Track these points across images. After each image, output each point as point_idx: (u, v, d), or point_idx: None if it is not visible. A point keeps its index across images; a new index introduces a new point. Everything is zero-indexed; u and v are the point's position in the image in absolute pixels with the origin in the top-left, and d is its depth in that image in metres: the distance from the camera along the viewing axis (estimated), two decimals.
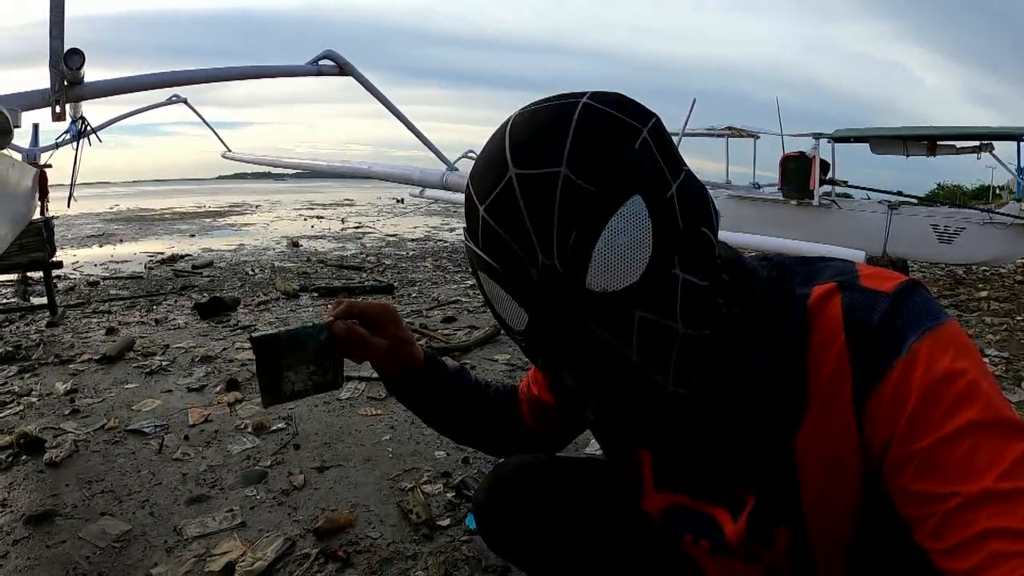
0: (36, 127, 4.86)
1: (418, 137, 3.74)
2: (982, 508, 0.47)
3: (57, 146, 4.56)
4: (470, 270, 0.58)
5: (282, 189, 45.47)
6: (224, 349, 3.32)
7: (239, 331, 3.74)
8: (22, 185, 2.68)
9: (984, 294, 5.18)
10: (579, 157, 0.49)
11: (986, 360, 3.16)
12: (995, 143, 6.29)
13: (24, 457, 2.02)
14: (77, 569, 1.44)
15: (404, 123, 3.62)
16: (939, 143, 6.39)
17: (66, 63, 1.98)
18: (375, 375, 2.86)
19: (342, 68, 3.07)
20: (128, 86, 2.55)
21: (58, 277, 5.54)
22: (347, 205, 19.80)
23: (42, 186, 3.95)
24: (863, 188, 6.61)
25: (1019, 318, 4.20)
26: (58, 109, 2.09)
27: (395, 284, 5.31)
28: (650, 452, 0.72)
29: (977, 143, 6.38)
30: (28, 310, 4.32)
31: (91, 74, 2.26)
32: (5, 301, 4.72)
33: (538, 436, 0.89)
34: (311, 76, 3.09)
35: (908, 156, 6.53)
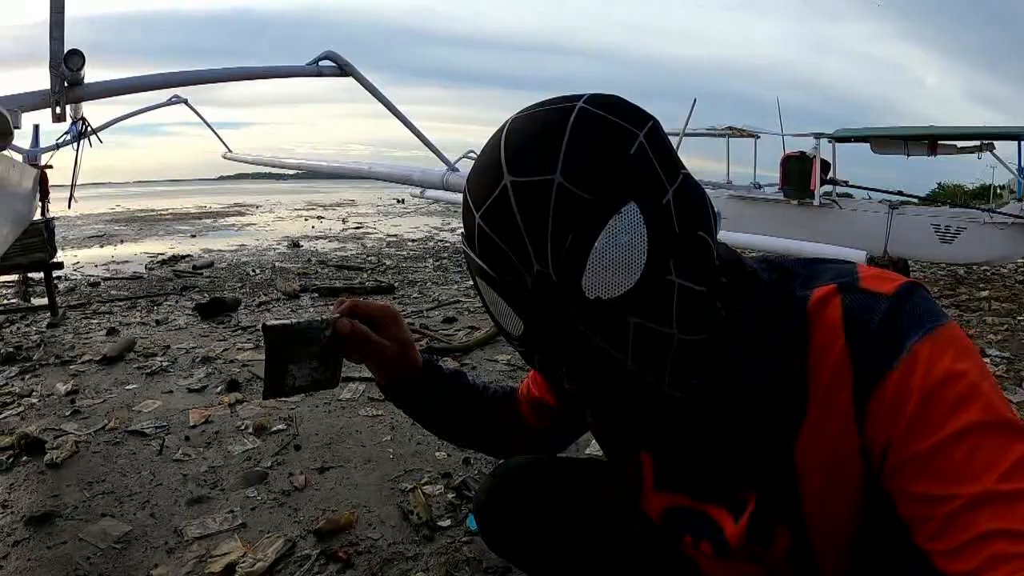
0: (37, 128, 4.86)
1: (418, 137, 3.74)
2: (983, 509, 0.47)
3: (58, 147, 4.56)
4: (469, 273, 0.58)
5: (283, 189, 45.52)
6: (225, 350, 3.32)
7: (240, 332, 3.74)
8: (23, 186, 2.67)
9: (985, 294, 5.17)
10: (573, 164, 0.49)
11: (987, 360, 3.17)
12: (996, 143, 6.28)
13: (25, 458, 2.02)
14: (78, 570, 1.44)
15: (404, 123, 3.62)
16: (940, 143, 6.38)
17: (66, 64, 1.98)
18: None
19: (342, 69, 3.07)
20: (129, 87, 2.55)
21: (59, 278, 5.54)
22: (348, 205, 19.81)
23: (43, 187, 3.96)
24: (864, 188, 6.61)
25: (1020, 318, 4.20)
26: (58, 110, 2.09)
27: (396, 284, 5.31)
28: (650, 453, 0.72)
29: (978, 143, 6.37)
30: (29, 311, 4.32)
31: (92, 75, 2.26)
32: (6, 302, 4.72)
33: (539, 437, 0.89)
34: (312, 77, 3.09)
35: (909, 156, 6.53)
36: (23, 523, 1.63)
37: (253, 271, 6.32)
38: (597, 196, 0.49)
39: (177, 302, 4.73)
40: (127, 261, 7.33)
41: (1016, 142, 6.03)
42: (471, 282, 0.58)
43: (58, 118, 2.14)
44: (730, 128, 9.19)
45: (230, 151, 7.86)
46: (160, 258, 7.45)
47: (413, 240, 9.44)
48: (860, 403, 0.54)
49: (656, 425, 0.67)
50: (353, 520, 1.63)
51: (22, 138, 4.72)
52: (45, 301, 4.19)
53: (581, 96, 0.53)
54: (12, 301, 4.78)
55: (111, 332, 3.72)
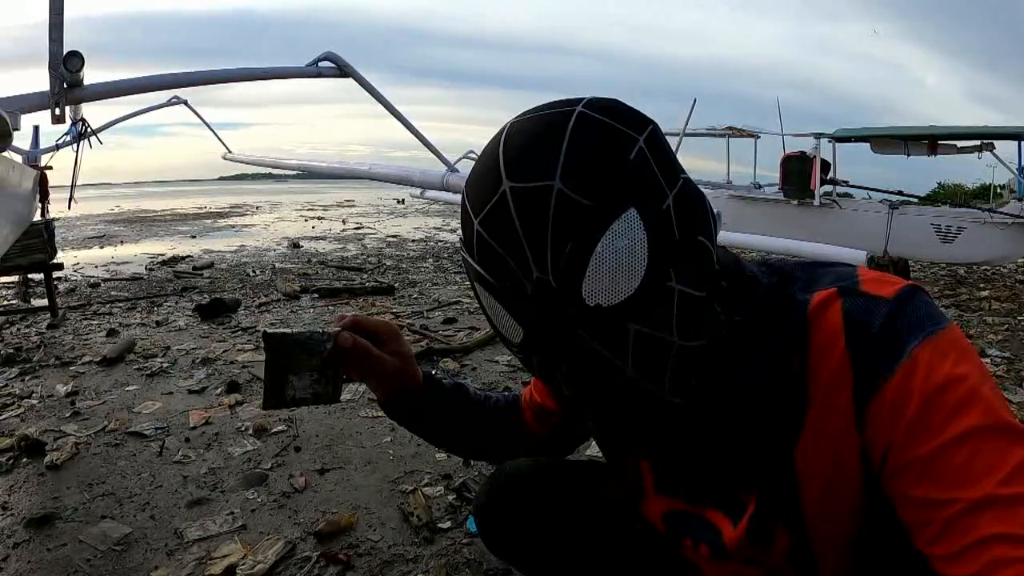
0: (36, 129, 4.87)
1: (418, 138, 3.74)
2: (983, 514, 0.47)
3: (57, 148, 4.57)
4: (468, 278, 0.58)
5: (283, 190, 45.53)
6: (225, 351, 3.32)
7: (240, 333, 3.74)
8: (23, 187, 2.68)
9: (985, 294, 5.17)
10: (573, 169, 0.48)
11: (987, 360, 3.17)
12: (996, 142, 6.28)
13: (25, 460, 2.02)
14: (78, 572, 1.44)
15: (404, 124, 3.63)
16: (940, 143, 6.39)
17: (65, 66, 1.98)
18: None
19: (342, 69, 3.07)
20: (128, 88, 2.55)
21: (59, 279, 5.54)
22: (348, 206, 19.80)
23: (43, 188, 3.96)
24: (864, 188, 6.62)
25: (1021, 318, 4.19)
26: (58, 111, 2.09)
27: (396, 285, 5.30)
28: (649, 457, 0.72)
29: (978, 142, 6.37)
30: (29, 312, 4.32)
31: (92, 75, 2.27)
32: (6, 303, 4.72)
33: (541, 443, 0.89)
34: (311, 78, 3.09)
35: (909, 156, 6.53)
36: (23, 525, 1.63)
37: (253, 272, 6.32)
38: (597, 202, 0.48)
39: (177, 303, 4.73)
40: (127, 262, 7.33)
41: (1016, 142, 6.03)
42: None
43: (58, 119, 2.15)
44: (730, 128, 9.19)
45: (230, 152, 7.87)
46: (160, 259, 7.45)
47: (413, 241, 9.44)
48: (860, 406, 0.53)
49: (655, 429, 0.67)
50: (353, 522, 1.63)
51: (22, 139, 4.72)
52: (45, 302, 4.19)
53: (580, 100, 0.53)
54: (12, 302, 4.78)
55: (111, 333, 3.72)
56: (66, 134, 4.28)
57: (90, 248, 9.05)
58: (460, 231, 0.57)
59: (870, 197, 6.58)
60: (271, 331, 0.69)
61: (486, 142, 0.55)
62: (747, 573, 0.68)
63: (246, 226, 12.92)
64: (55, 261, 4.16)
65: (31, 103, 2.01)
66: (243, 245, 9.01)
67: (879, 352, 0.53)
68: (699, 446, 0.65)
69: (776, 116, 8.28)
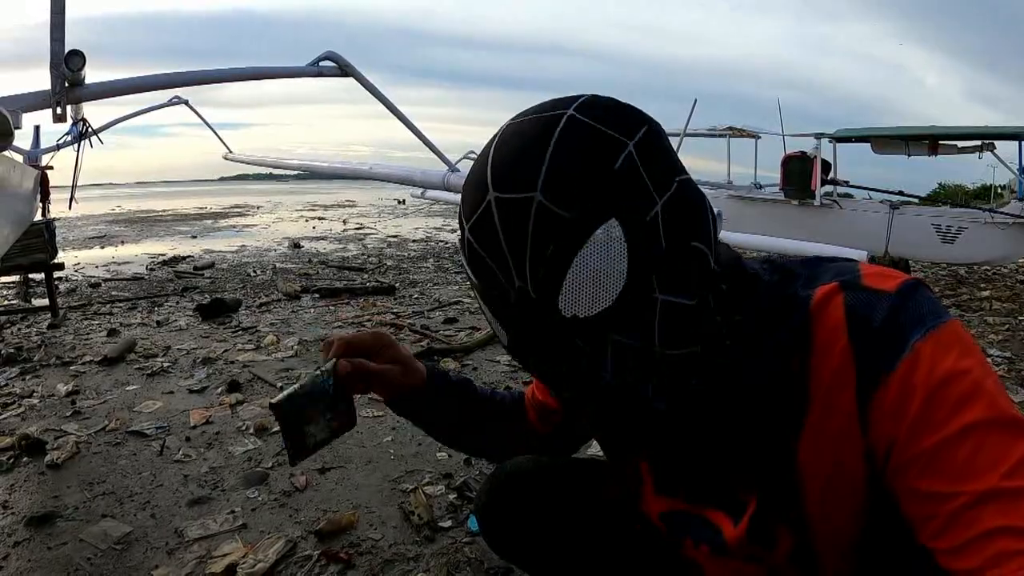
0: (37, 129, 4.87)
1: (419, 138, 3.74)
2: (987, 507, 0.46)
3: (58, 147, 4.57)
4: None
5: (283, 190, 45.54)
6: (226, 351, 3.32)
7: (240, 333, 3.74)
8: (23, 187, 2.68)
9: (986, 294, 5.17)
10: (554, 180, 0.48)
11: (988, 360, 3.16)
12: (996, 142, 6.28)
13: (25, 459, 2.02)
14: (78, 571, 1.44)
15: (405, 124, 3.62)
16: (940, 143, 6.39)
17: (67, 65, 1.98)
18: None
19: (343, 69, 3.07)
20: (129, 87, 2.55)
21: (59, 279, 5.54)
22: (348, 206, 19.81)
23: (43, 188, 3.96)
24: (865, 188, 6.61)
25: (1021, 318, 4.19)
26: (59, 111, 2.09)
27: (396, 285, 5.30)
28: (649, 457, 0.71)
29: (978, 143, 6.37)
30: (29, 312, 4.32)
31: (92, 75, 2.26)
32: (7, 303, 4.72)
33: (543, 441, 0.89)
34: (312, 77, 3.09)
35: (909, 156, 6.53)
36: (24, 524, 1.63)
37: (254, 272, 6.33)
38: (577, 214, 0.48)
39: (178, 303, 4.73)
40: (128, 262, 7.34)
41: (1016, 142, 6.03)
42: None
43: (59, 119, 2.14)
44: (731, 128, 9.19)
45: (231, 152, 7.87)
46: (161, 259, 7.45)
47: (414, 241, 9.44)
48: (863, 402, 0.53)
49: (653, 429, 0.67)
50: (354, 521, 1.63)
51: (23, 139, 4.72)
52: (46, 302, 4.19)
53: (575, 99, 0.52)
54: (13, 302, 4.78)
55: (112, 333, 3.72)
56: (67, 134, 4.28)
57: (91, 248, 9.05)
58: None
59: (871, 197, 6.57)
60: (276, 400, 0.68)
61: (480, 150, 0.56)
62: (748, 571, 0.67)
63: (247, 226, 12.93)
64: (56, 261, 4.16)
65: (32, 102, 2.01)
66: (244, 245, 9.02)
67: (881, 347, 0.52)
68: (699, 446, 0.65)
69: (777, 116, 8.28)
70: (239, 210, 18.63)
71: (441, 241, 9.25)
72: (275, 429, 2.24)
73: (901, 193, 6.36)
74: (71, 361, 3.13)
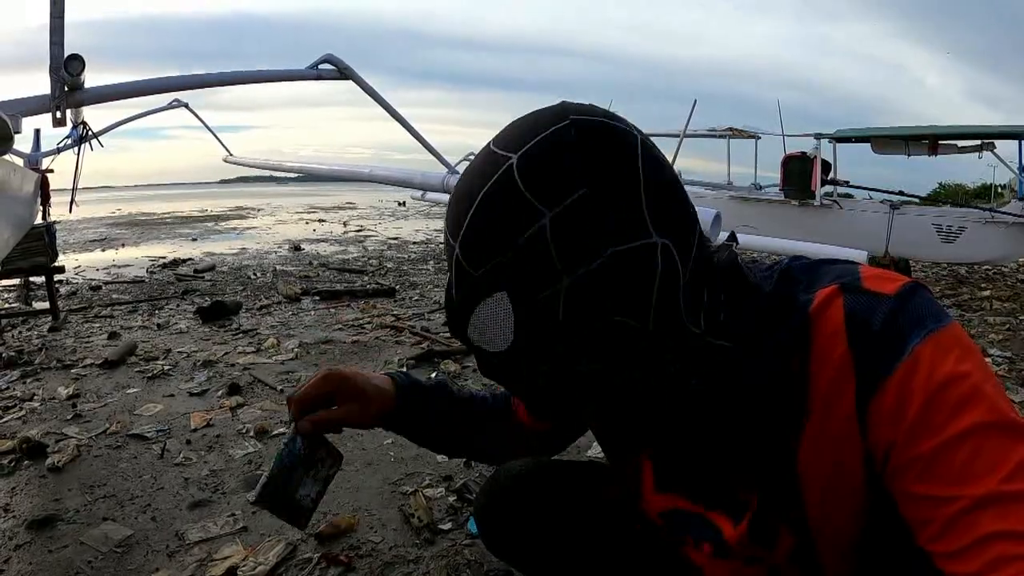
0: (38, 132, 4.87)
1: (418, 140, 3.74)
2: (986, 511, 0.46)
3: (59, 151, 4.57)
4: None
5: (284, 192, 45.56)
6: (226, 353, 3.32)
7: (241, 335, 3.74)
8: (24, 190, 2.68)
9: (987, 293, 5.17)
10: (467, 238, 0.52)
11: (988, 360, 3.16)
12: (996, 142, 6.28)
13: (26, 462, 2.02)
14: (79, 574, 1.44)
15: (404, 126, 3.62)
16: (940, 142, 6.38)
17: (66, 69, 1.98)
18: None
19: (342, 72, 3.07)
20: (129, 91, 2.55)
21: (60, 282, 5.55)
22: (349, 208, 19.82)
23: (44, 191, 3.96)
24: (865, 188, 6.61)
25: (1022, 317, 4.19)
26: (59, 115, 2.10)
27: (397, 287, 5.31)
28: (651, 454, 0.72)
29: (978, 142, 6.37)
30: (30, 315, 4.33)
31: (93, 78, 2.27)
32: (7, 306, 4.73)
33: (540, 437, 0.89)
34: (311, 80, 3.09)
35: (909, 156, 6.53)
36: (24, 527, 1.63)
37: (254, 274, 6.33)
38: (479, 275, 0.51)
39: (178, 306, 4.73)
40: (128, 265, 7.34)
41: (1017, 141, 6.03)
42: None
43: (59, 122, 2.15)
44: (731, 129, 9.20)
45: (231, 154, 7.88)
46: (161, 262, 7.45)
47: (414, 243, 9.45)
48: (862, 406, 0.53)
49: (655, 426, 0.67)
50: (354, 523, 1.63)
51: (23, 142, 4.73)
52: (46, 305, 4.19)
53: (531, 140, 0.51)
54: (13, 305, 4.79)
55: (112, 336, 3.72)
56: (67, 137, 4.28)
57: (91, 251, 9.06)
58: None
59: (871, 197, 6.57)
60: (255, 496, 0.70)
61: None
62: (749, 573, 0.67)
63: (247, 229, 12.93)
64: (56, 264, 4.16)
65: (32, 106, 2.01)
66: (244, 248, 9.03)
67: (881, 350, 0.52)
68: (700, 445, 0.65)
69: (776, 117, 8.29)
70: (240, 212, 18.64)
71: (441, 243, 9.23)
72: (276, 432, 2.24)
73: (901, 193, 6.36)
74: (72, 364, 3.14)
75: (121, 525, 1.64)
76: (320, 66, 3.07)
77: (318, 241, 9.89)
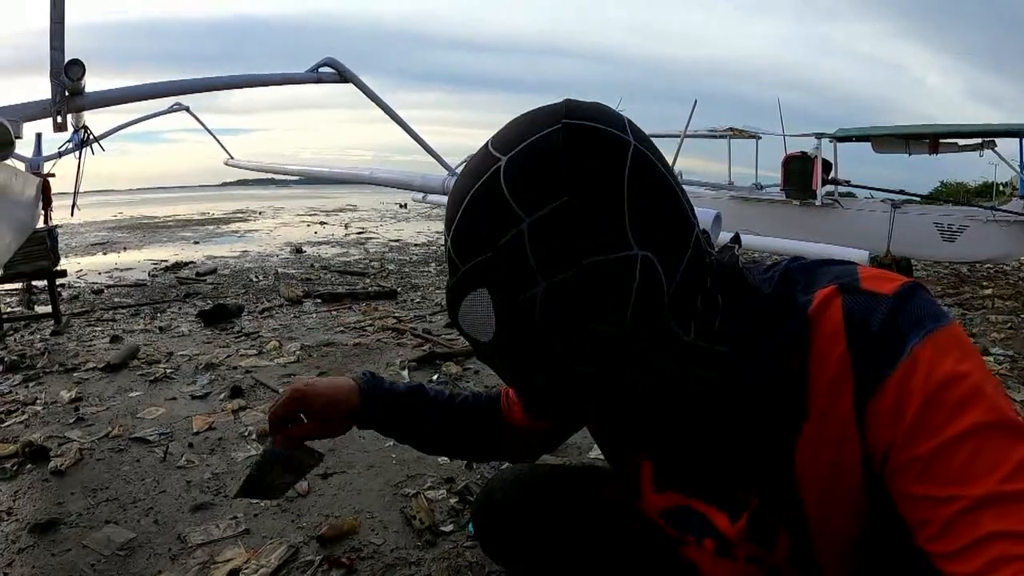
0: (39, 137, 4.87)
1: (418, 143, 3.75)
2: (986, 511, 0.46)
3: (60, 155, 4.57)
4: None
5: (285, 195, 45.61)
6: (228, 356, 3.32)
7: (243, 338, 3.75)
8: (26, 194, 2.69)
9: (989, 292, 5.16)
10: (457, 234, 0.54)
11: (991, 359, 3.15)
12: (997, 140, 6.27)
13: (29, 466, 2.02)
14: None
15: (404, 128, 3.63)
16: (941, 141, 6.37)
17: (67, 74, 1.98)
18: None
19: (342, 75, 3.07)
20: (129, 96, 2.56)
21: (62, 285, 5.55)
22: (350, 210, 19.83)
23: (45, 195, 3.97)
24: (866, 187, 6.61)
25: None
26: (59, 120, 2.10)
27: (398, 289, 5.31)
28: (650, 453, 0.72)
29: (979, 140, 6.36)
30: (33, 319, 4.33)
31: (93, 82, 2.27)
32: (10, 310, 4.73)
33: (532, 435, 0.88)
34: (312, 84, 3.10)
35: (910, 154, 6.52)
36: (28, 530, 1.63)
37: (256, 277, 6.34)
38: (465, 269, 0.54)
39: (180, 309, 4.74)
40: (130, 268, 7.36)
41: (1017, 139, 6.02)
42: None
43: (59, 127, 2.15)
44: (731, 129, 9.20)
45: (232, 158, 7.89)
46: (163, 265, 7.47)
47: (416, 245, 9.46)
48: (861, 407, 0.53)
49: (654, 426, 0.67)
50: (356, 526, 1.63)
51: (25, 147, 4.74)
52: (49, 309, 4.20)
53: (516, 144, 0.52)
54: (16, 309, 4.79)
55: (115, 339, 3.73)
56: (68, 141, 4.29)
57: (93, 255, 9.08)
58: None
59: (872, 196, 6.56)
60: (236, 493, 0.84)
61: None
62: (749, 572, 0.67)
63: (249, 231, 12.95)
64: (58, 268, 4.17)
65: (33, 111, 2.02)
66: (246, 250, 9.04)
67: (879, 351, 0.52)
68: (700, 445, 0.65)
69: (777, 116, 8.28)
70: (241, 215, 18.66)
71: (443, 245, 9.23)
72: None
73: (902, 192, 6.35)
74: (74, 368, 3.14)
75: (123, 528, 1.65)
76: (320, 69, 3.07)
77: (320, 244, 9.90)
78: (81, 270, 7.16)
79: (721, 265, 0.59)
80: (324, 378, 0.86)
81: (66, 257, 6.59)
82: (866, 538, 0.60)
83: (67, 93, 2.07)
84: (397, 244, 9.59)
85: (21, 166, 4.26)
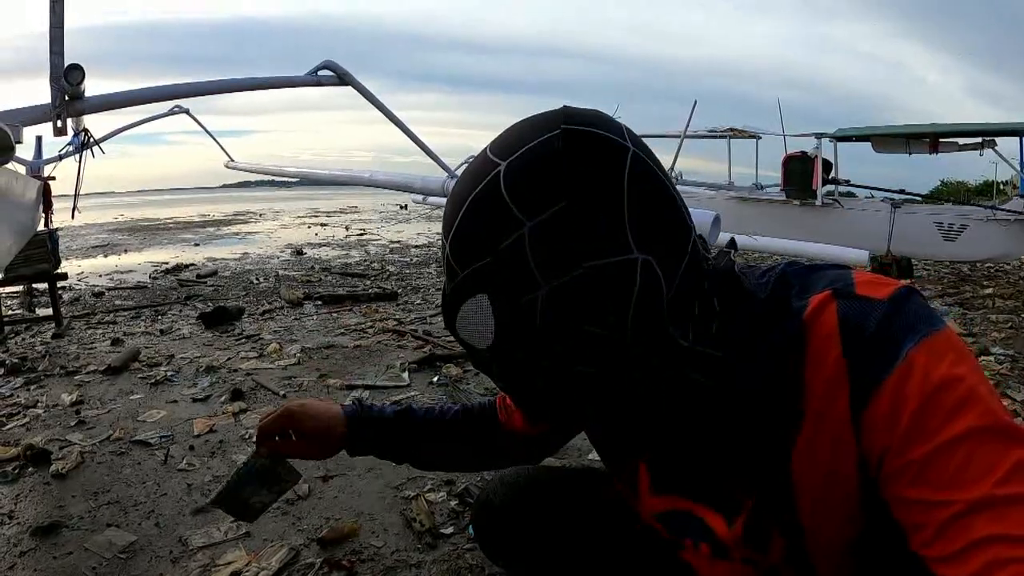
0: (39, 140, 4.88)
1: (418, 145, 3.75)
2: (980, 515, 0.46)
3: (60, 158, 4.58)
4: None
5: (286, 197, 45.64)
6: (229, 359, 3.33)
7: (244, 341, 3.75)
8: (26, 197, 2.69)
9: (989, 291, 5.15)
10: (456, 239, 0.54)
11: (991, 358, 3.15)
12: (997, 139, 6.27)
13: (30, 469, 2.03)
14: None
15: (403, 131, 3.63)
16: (941, 140, 6.37)
17: (66, 78, 1.99)
18: (379, 383, 2.86)
19: (341, 78, 3.07)
20: (129, 100, 2.56)
21: (63, 288, 5.56)
22: (351, 212, 19.84)
23: (46, 198, 3.97)
24: (866, 187, 6.61)
25: None
26: (59, 124, 2.10)
27: (399, 291, 5.32)
28: (648, 455, 0.72)
29: (979, 139, 6.36)
30: (34, 321, 4.34)
31: (94, 85, 2.27)
32: (11, 313, 4.74)
33: (529, 441, 0.89)
34: (311, 87, 3.10)
35: (911, 154, 6.52)
36: (29, 533, 1.64)
37: (257, 279, 6.34)
38: (465, 274, 0.54)
39: (181, 311, 4.74)
40: (131, 271, 7.37)
41: (1018, 138, 6.01)
42: None
43: (59, 132, 2.16)
44: (731, 129, 9.20)
45: (232, 160, 7.90)
46: (164, 267, 7.48)
47: (416, 246, 9.46)
48: (856, 411, 0.53)
49: (651, 428, 0.67)
50: (356, 528, 1.63)
51: (25, 150, 4.74)
52: (50, 312, 4.21)
53: (517, 149, 0.53)
54: (17, 312, 4.80)
55: (116, 342, 3.73)
56: (69, 144, 4.30)
57: (94, 257, 9.09)
58: None
59: (872, 196, 6.56)
60: (211, 500, 0.86)
61: None
62: (746, 573, 0.68)
63: (249, 233, 12.96)
64: (59, 271, 4.18)
65: (33, 116, 2.02)
66: (247, 252, 9.05)
67: (874, 355, 0.52)
68: (696, 448, 0.65)
69: (777, 116, 8.28)
70: (242, 217, 18.67)
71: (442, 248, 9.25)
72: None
73: (903, 191, 6.35)
74: (75, 371, 3.15)
75: (125, 531, 1.65)
76: (319, 72, 3.07)
77: (320, 245, 9.91)
78: (82, 272, 7.17)
79: (717, 270, 0.59)
80: (318, 401, 0.88)
81: (67, 260, 6.61)
82: (861, 542, 0.60)
83: (67, 97, 2.07)
84: (398, 246, 9.59)
85: (22, 169, 4.27)
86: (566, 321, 0.51)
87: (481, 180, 0.53)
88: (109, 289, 5.94)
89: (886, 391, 0.51)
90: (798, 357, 0.56)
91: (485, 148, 0.56)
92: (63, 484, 1.93)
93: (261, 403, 2.64)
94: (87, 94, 2.19)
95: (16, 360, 3.31)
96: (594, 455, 1.98)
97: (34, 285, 4.84)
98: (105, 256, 9.23)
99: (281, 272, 6.80)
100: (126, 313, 4.72)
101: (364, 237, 11.18)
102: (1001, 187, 9.60)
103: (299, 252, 8.82)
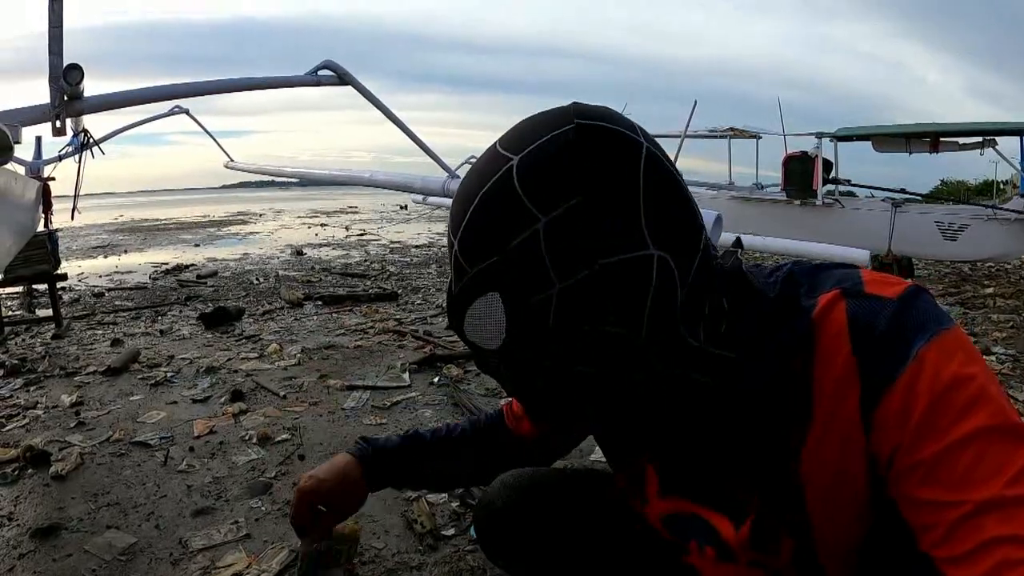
0: (39, 140, 4.88)
1: (418, 145, 3.75)
2: (990, 515, 0.46)
3: (60, 159, 4.58)
4: None
5: (286, 197, 45.66)
6: (229, 360, 3.32)
7: (244, 341, 3.75)
8: (26, 198, 2.69)
9: (990, 291, 5.15)
10: (466, 237, 0.52)
11: (993, 358, 3.15)
12: (998, 138, 6.27)
13: (30, 470, 2.02)
14: None
15: (404, 131, 3.63)
16: (942, 139, 6.37)
17: (65, 79, 1.99)
18: (379, 384, 2.85)
19: (341, 78, 3.07)
20: (128, 100, 2.56)
21: (63, 289, 5.56)
22: (351, 212, 19.85)
23: (45, 199, 3.97)
24: (866, 187, 6.61)
25: None
26: (59, 124, 2.10)
27: (399, 291, 5.31)
28: (654, 457, 0.71)
29: (980, 139, 6.36)
30: (33, 322, 4.34)
31: (93, 86, 2.27)
32: (11, 314, 4.73)
33: (539, 446, 0.89)
34: (311, 86, 3.10)
35: (911, 153, 6.52)
36: (29, 535, 1.63)
37: (257, 280, 6.34)
38: (474, 272, 0.52)
39: (181, 312, 4.74)
40: (131, 271, 7.36)
41: (1018, 137, 6.01)
42: None
43: (59, 132, 2.15)
44: (731, 129, 9.20)
45: (232, 160, 7.90)
46: (164, 268, 7.48)
47: (416, 246, 9.46)
48: (867, 410, 0.53)
49: (657, 429, 0.67)
50: (357, 530, 1.62)
51: (25, 150, 4.74)
52: (49, 312, 4.20)
53: (529, 144, 0.51)
54: (17, 313, 4.80)
55: (115, 343, 3.73)
56: (68, 145, 4.30)
57: (94, 258, 9.09)
58: None
59: (873, 196, 6.56)
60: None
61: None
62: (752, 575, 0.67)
63: (250, 234, 12.96)
64: (59, 271, 4.17)
65: (32, 116, 2.02)
66: (247, 253, 9.05)
67: (885, 354, 0.52)
68: (704, 449, 0.65)
69: (777, 116, 8.29)
70: (242, 218, 18.68)
71: (443, 246, 9.25)
72: (279, 439, 2.25)
73: (903, 191, 6.34)
74: (75, 372, 3.14)
75: (125, 533, 1.64)
76: (319, 72, 3.07)
77: (320, 246, 9.91)
78: (82, 273, 7.17)
79: (725, 269, 0.59)
80: (322, 466, 0.89)
81: (67, 260, 6.60)
82: (869, 542, 0.60)
83: (66, 97, 2.07)
84: (398, 246, 9.59)
85: (21, 170, 4.27)
86: (580, 320, 0.50)
87: (492, 175, 0.51)
88: (109, 290, 5.93)
89: (897, 390, 0.51)
90: (807, 356, 0.56)
91: (494, 144, 0.54)
92: (63, 486, 1.92)
93: (261, 404, 2.63)
94: (86, 94, 2.19)
95: (16, 361, 3.31)
96: (595, 455, 1.98)
97: (34, 286, 4.83)
98: (105, 257, 9.23)
99: (281, 272, 6.80)
100: (126, 314, 4.72)
101: (364, 237, 11.18)
102: (1001, 186, 9.61)
103: (299, 252, 8.82)
